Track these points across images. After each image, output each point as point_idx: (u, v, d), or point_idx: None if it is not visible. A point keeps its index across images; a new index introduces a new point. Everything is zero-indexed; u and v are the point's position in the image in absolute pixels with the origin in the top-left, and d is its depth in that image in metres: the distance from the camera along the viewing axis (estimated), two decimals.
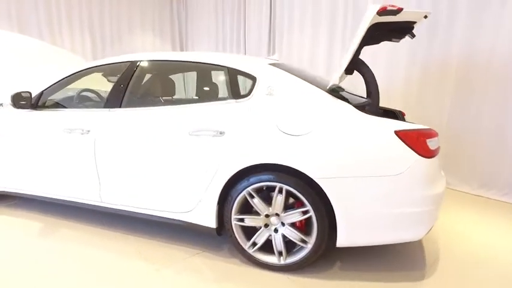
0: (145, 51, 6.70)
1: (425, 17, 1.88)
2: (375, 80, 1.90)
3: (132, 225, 2.51)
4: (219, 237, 2.21)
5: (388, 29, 1.91)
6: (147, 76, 2.38)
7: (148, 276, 1.91)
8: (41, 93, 2.55)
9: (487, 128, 3.15)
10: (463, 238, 2.37)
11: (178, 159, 2.00)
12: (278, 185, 1.81)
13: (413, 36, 2.02)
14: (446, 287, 1.82)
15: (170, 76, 2.57)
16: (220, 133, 1.90)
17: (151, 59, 2.32)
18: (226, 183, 1.91)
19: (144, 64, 2.32)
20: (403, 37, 2.06)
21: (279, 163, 1.77)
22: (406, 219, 1.74)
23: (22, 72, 3.11)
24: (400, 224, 1.75)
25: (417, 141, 1.70)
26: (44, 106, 2.56)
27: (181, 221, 2.10)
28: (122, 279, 1.87)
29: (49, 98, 2.59)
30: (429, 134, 1.75)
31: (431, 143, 1.74)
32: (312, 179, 1.73)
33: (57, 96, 2.63)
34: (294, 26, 4.85)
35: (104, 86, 2.98)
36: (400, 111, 2.50)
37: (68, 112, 2.43)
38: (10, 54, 3.23)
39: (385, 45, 2.65)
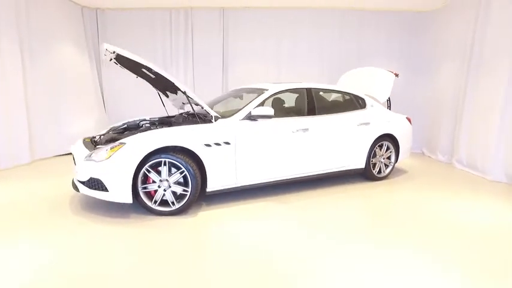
0: (64, 63, 6.08)
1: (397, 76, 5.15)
2: (390, 98, 5.01)
3: (301, 187, 4.15)
4: (346, 176, 4.52)
5: None
6: (318, 96, 4.20)
7: (354, 197, 3.98)
8: None
9: None
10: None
11: (351, 138, 4.19)
12: (385, 143, 4.50)
13: None
14: (428, 183, 5.22)
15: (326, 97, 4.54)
16: (367, 123, 4.30)
17: (319, 88, 4.22)
18: (370, 145, 4.33)
19: (315, 90, 4.15)
20: None
21: (388, 133, 4.47)
22: (409, 148, 4.96)
23: None
24: (409, 150, 4.95)
25: (410, 120, 4.94)
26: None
27: (349, 169, 4.23)
28: (342, 205, 3.84)
29: None
30: (410, 118, 5.03)
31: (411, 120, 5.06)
32: (394, 136, 4.56)
33: None
34: (247, 57, 6.90)
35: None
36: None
37: (291, 119, 3.89)
38: None
39: None
